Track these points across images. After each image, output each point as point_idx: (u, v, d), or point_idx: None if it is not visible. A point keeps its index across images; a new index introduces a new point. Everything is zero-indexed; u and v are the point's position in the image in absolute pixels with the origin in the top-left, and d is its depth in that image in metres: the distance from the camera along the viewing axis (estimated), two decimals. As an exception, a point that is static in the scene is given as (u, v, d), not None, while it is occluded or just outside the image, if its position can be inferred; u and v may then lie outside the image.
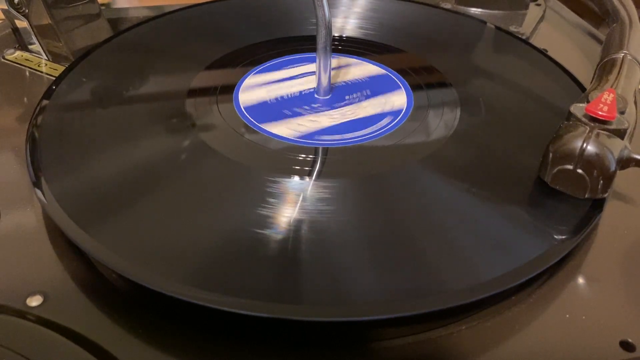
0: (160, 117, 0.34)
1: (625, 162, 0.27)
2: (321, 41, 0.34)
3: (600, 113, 0.27)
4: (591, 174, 0.27)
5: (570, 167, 0.27)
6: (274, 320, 0.23)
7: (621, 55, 0.35)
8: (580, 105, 0.28)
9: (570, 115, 0.28)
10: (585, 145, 0.26)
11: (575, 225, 0.27)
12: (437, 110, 0.35)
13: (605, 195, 0.28)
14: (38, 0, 0.40)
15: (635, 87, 0.32)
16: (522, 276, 0.24)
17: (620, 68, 0.34)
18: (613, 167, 0.26)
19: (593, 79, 0.35)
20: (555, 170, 0.27)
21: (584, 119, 0.27)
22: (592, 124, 0.27)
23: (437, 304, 0.23)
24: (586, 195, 0.27)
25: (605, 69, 0.35)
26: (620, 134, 0.27)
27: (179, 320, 0.24)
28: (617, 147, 0.27)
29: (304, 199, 0.28)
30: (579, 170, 0.27)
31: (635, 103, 0.31)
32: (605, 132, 0.27)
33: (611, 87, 0.31)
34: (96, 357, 0.22)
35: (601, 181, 0.27)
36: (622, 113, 0.29)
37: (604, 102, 0.27)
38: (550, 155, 0.27)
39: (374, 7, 0.47)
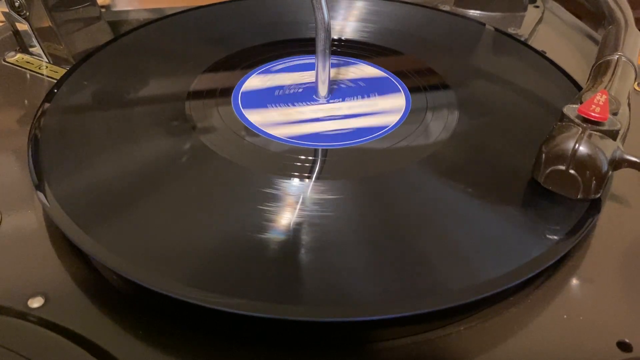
0: (160, 119, 0.34)
1: (617, 163, 0.27)
2: (320, 44, 0.34)
3: (592, 114, 0.27)
4: (583, 174, 0.27)
5: (562, 167, 0.27)
6: (274, 320, 0.23)
7: (616, 56, 0.35)
8: (573, 106, 0.28)
9: (563, 116, 0.28)
10: (577, 146, 0.26)
11: (573, 226, 0.27)
12: (436, 112, 0.35)
13: (598, 195, 0.28)
14: (39, 3, 0.40)
15: (629, 88, 0.32)
16: (520, 277, 0.24)
17: (615, 69, 0.34)
18: (605, 167, 0.27)
19: (588, 80, 0.35)
20: (548, 170, 0.28)
21: (576, 120, 0.28)
22: (585, 125, 0.27)
23: (436, 305, 0.23)
24: (579, 196, 0.27)
25: (599, 70, 0.35)
26: (612, 135, 0.27)
27: (179, 321, 0.24)
28: (609, 148, 0.27)
29: (303, 201, 0.28)
30: (572, 171, 0.27)
31: (629, 105, 0.31)
32: (597, 133, 0.27)
33: (605, 88, 0.31)
34: (97, 358, 0.22)
35: (594, 182, 0.27)
36: (614, 114, 0.29)
37: (596, 103, 0.27)
38: (543, 155, 0.28)
39: (372, 10, 0.47)
